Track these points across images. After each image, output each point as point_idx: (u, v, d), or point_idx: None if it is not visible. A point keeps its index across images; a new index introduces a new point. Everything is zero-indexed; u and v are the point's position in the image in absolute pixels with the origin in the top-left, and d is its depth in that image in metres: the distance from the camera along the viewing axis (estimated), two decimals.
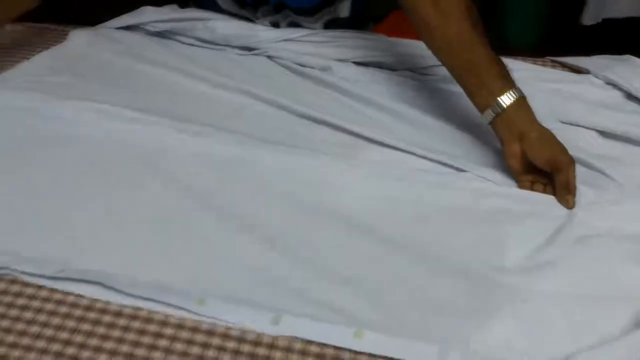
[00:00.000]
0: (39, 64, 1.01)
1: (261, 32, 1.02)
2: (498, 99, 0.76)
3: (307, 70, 0.98)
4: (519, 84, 0.81)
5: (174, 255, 0.66)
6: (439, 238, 0.68)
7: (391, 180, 0.77)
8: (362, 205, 0.73)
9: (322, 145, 0.82)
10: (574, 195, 0.74)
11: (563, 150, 0.75)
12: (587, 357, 0.55)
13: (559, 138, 0.77)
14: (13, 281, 0.62)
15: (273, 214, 0.71)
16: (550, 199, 0.75)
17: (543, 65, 1.02)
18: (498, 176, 0.78)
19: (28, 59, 1.02)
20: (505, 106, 0.76)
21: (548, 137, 0.76)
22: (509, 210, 0.72)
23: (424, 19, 0.82)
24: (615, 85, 0.95)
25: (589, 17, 1.94)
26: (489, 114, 0.77)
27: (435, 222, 0.71)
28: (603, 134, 0.87)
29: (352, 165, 0.78)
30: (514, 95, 0.77)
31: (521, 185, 0.77)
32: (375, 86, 0.93)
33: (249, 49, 1.03)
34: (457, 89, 0.92)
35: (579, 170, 0.76)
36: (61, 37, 1.09)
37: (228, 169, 0.77)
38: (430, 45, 0.84)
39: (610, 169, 0.79)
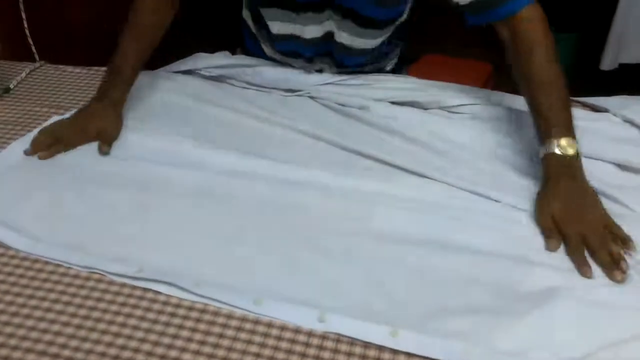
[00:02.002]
0: None
1: (304, 76, 1.14)
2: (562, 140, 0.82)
3: (347, 109, 1.08)
4: None
5: (235, 260, 0.76)
6: (471, 254, 0.77)
7: (424, 204, 0.86)
8: (397, 224, 0.82)
9: (366, 173, 0.92)
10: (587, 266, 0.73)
11: (563, 221, 0.77)
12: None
13: None
14: (100, 280, 0.72)
15: (321, 230, 0.81)
16: None
17: None
18: (524, 203, 0.85)
19: None
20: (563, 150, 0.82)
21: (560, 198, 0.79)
22: (534, 236, 0.80)
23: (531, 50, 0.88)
24: (632, 123, 1.03)
25: (607, 63, 2.07)
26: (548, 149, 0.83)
27: (463, 239, 0.79)
28: (621, 167, 0.95)
29: (389, 191, 0.88)
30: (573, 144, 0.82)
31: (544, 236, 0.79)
32: (410, 123, 1.03)
33: (293, 91, 1.15)
34: (484, 125, 1.02)
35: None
36: None
37: (286, 190, 0.88)
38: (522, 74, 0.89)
39: (628, 199, 0.87)
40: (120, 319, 0.67)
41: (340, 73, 1.14)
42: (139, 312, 0.68)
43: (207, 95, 1.13)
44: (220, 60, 1.21)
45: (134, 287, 0.71)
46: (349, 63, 1.12)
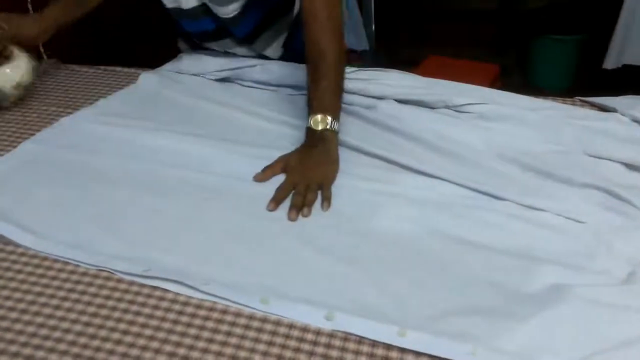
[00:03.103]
0: (116, 101, 1.14)
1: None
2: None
3: (353, 107, 1.08)
4: (548, 120, 0.90)
5: (243, 259, 0.76)
6: (477, 254, 0.77)
7: (429, 203, 0.86)
8: (402, 223, 0.82)
9: (371, 172, 0.92)
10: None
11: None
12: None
13: (587, 170, 0.88)
14: (108, 278, 0.72)
15: (327, 228, 0.81)
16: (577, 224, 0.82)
17: (572, 104, 1.11)
18: (530, 201, 0.85)
19: (105, 97, 1.16)
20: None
21: None
22: (540, 232, 0.80)
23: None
24: None
25: (611, 62, 2.08)
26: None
27: (469, 238, 0.79)
28: (629, 166, 0.95)
29: (394, 190, 0.88)
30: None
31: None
32: (416, 122, 1.02)
33: (299, 87, 1.15)
34: (491, 125, 1.02)
35: (607, 199, 0.84)
36: (130, 78, 1.23)
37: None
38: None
39: (636, 198, 0.86)
40: (128, 316, 0.67)
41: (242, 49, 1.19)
42: (147, 310, 0.68)
43: (213, 95, 1.14)
44: (227, 64, 1.20)
45: (142, 285, 0.71)
46: (238, 33, 1.15)
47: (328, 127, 0.94)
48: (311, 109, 0.96)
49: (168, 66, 1.25)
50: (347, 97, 1.10)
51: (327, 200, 0.86)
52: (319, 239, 0.79)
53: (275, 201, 0.85)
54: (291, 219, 0.82)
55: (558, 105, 1.09)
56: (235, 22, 1.11)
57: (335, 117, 0.95)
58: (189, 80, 1.20)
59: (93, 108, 1.12)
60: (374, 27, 2.35)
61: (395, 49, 2.77)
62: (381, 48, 2.37)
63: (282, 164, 0.92)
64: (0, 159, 0.96)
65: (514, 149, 0.96)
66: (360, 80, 1.11)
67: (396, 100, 1.08)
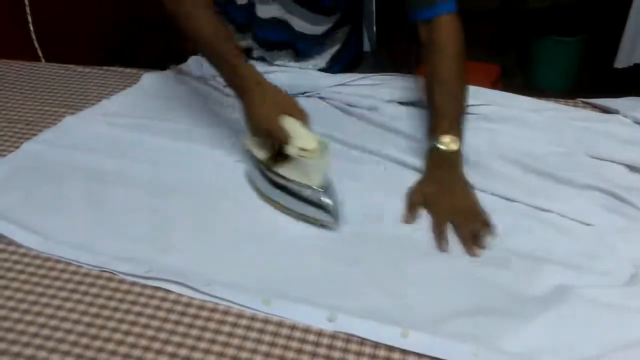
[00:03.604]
0: (119, 102, 1.14)
1: (315, 79, 1.14)
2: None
3: (356, 110, 1.08)
4: (550, 121, 0.91)
5: (245, 260, 0.76)
6: (483, 258, 0.77)
7: None
8: (409, 225, 0.82)
9: (374, 174, 0.92)
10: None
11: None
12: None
13: (588, 171, 0.88)
14: (110, 278, 0.72)
15: (332, 234, 0.81)
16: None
17: (574, 105, 1.11)
18: (533, 202, 0.85)
19: (107, 98, 1.16)
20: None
21: None
22: (543, 233, 0.80)
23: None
24: None
25: (622, 61, 2.06)
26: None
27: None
28: (631, 168, 0.95)
29: (399, 192, 0.88)
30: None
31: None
32: (417, 122, 1.03)
33: (303, 93, 1.15)
34: (495, 126, 1.02)
35: (610, 201, 0.84)
36: (133, 79, 1.22)
37: None
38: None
39: (638, 200, 0.86)
40: (130, 317, 0.67)
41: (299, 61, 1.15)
42: (149, 311, 0.68)
43: (219, 98, 1.14)
44: None
45: (144, 286, 0.71)
46: (302, 48, 1.13)
47: (456, 148, 0.88)
48: (439, 131, 0.89)
49: (175, 68, 1.24)
50: (349, 99, 1.10)
51: (490, 226, 0.80)
52: (320, 240, 0.79)
53: (442, 239, 0.79)
54: (474, 255, 0.77)
55: (560, 107, 1.09)
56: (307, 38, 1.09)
57: (462, 141, 0.91)
58: (194, 82, 1.20)
59: (96, 108, 1.12)
60: (375, 29, 2.34)
61: (395, 49, 2.77)
62: (381, 49, 2.37)
63: (420, 196, 0.86)
64: (3, 160, 0.96)
65: (516, 150, 0.96)
66: (365, 86, 1.11)
67: (399, 102, 1.08)
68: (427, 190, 0.87)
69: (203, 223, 0.82)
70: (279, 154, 0.85)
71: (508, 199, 0.87)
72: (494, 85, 2.17)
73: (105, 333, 0.65)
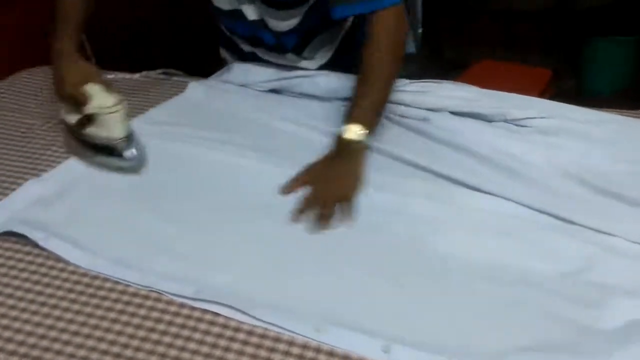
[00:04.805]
0: (165, 111, 1.13)
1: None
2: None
3: (406, 120, 1.05)
4: (615, 136, 0.92)
5: (293, 280, 0.73)
6: (539, 284, 0.73)
7: (489, 226, 0.82)
8: (462, 246, 0.79)
9: (426, 190, 0.88)
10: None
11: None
12: None
13: None
14: (158, 299, 0.71)
15: (383, 251, 0.78)
16: None
17: (637, 117, 1.04)
18: (599, 224, 0.80)
19: (153, 106, 1.15)
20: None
21: None
22: (612, 260, 0.75)
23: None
24: None
25: None
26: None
27: (533, 266, 0.75)
28: None
29: (452, 212, 0.84)
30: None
31: None
32: (474, 137, 0.98)
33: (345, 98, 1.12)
34: (553, 140, 0.96)
35: None
36: (177, 87, 1.21)
37: None
38: None
39: None
40: (179, 342, 0.66)
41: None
42: (197, 336, 0.66)
43: (267, 107, 1.12)
44: (270, 74, 1.18)
45: (193, 308, 0.69)
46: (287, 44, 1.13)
47: (361, 139, 0.91)
48: (349, 118, 0.93)
49: (216, 76, 1.23)
50: (399, 109, 1.07)
51: (347, 215, 0.83)
52: (375, 263, 0.76)
53: (295, 215, 0.83)
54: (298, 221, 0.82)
55: (623, 119, 1.03)
56: (287, 34, 1.10)
57: (372, 133, 0.93)
58: (238, 91, 1.19)
59: (143, 118, 1.11)
60: (420, 29, 2.29)
61: (440, 50, 2.70)
62: (425, 50, 2.31)
63: (307, 175, 0.90)
64: (54, 171, 0.96)
65: (578, 167, 0.90)
66: (414, 93, 1.08)
67: (450, 112, 1.04)
68: (315, 167, 0.91)
69: (252, 242, 0.80)
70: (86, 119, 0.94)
71: (569, 221, 0.82)
72: (545, 91, 2.09)
73: (154, 359, 0.64)
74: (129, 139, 0.94)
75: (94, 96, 0.91)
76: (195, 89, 1.21)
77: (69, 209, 0.87)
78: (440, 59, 2.69)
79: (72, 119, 0.96)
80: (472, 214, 0.84)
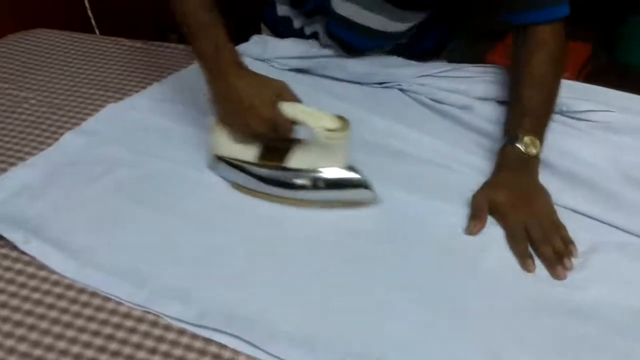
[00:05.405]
0: (172, 86, 1.01)
1: (399, 68, 0.97)
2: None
3: (445, 107, 0.92)
4: None
5: (315, 309, 0.62)
6: (601, 315, 0.61)
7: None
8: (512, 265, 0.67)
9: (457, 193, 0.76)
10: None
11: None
12: None
13: None
14: (155, 323, 0.60)
15: (423, 269, 0.67)
16: None
17: None
18: None
19: (158, 80, 1.02)
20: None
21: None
22: None
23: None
24: None
25: None
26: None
27: (593, 295, 0.64)
28: None
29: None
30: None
31: None
32: None
33: (380, 83, 0.98)
34: (618, 138, 0.83)
35: None
36: (187, 58, 1.08)
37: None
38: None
39: None
40: None
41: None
42: None
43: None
44: (292, 49, 1.04)
45: (195, 337, 0.58)
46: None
47: (538, 152, 0.77)
48: (521, 129, 0.78)
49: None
50: (436, 94, 0.93)
51: (572, 245, 0.68)
52: (413, 283, 0.65)
53: (528, 258, 0.67)
54: (560, 278, 0.65)
55: None
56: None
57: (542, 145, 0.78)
58: (252, 66, 1.05)
59: (145, 94, 0.98)
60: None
61: (467, 16, 2.54)
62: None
63: (487, 202, 0.73)
64: (43, 154, 0.84)
65: None
66: (453, 79, 0.94)
67: (498, 101, 0.90)
68: (496, 196, 0.73)
69: (266, 249, 0.69)
70: (266, 150, 0.74)
71: (631, 234, 0.70)
72: (583, 68, 1.94)
73: None
74: (353, 166, 0.72)
75: (306, 118, 0.70)
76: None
77: (56, 202, 0.75)
78: (468, 26, 2.52)
79: (247, 152, 0.74)
80: None
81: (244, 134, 0.74)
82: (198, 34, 0.77)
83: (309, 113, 0.70)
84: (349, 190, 0.73)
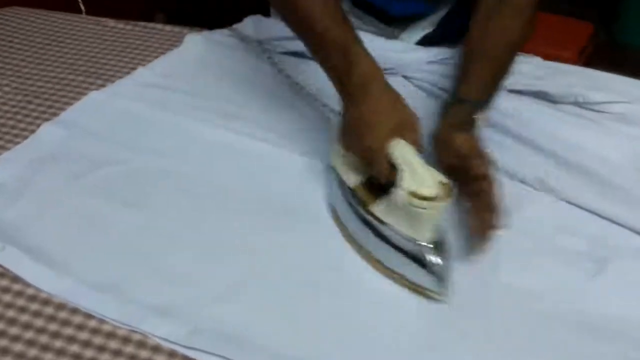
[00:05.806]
0: (158, 71, 0.94)
1: (405, 52, 0.90)
2: None
3: None
4: None
5: (322, 326, 0.57)
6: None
7: (562, 249, 0.66)
8: (528, 276, 0.63)
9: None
10: None
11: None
12: None
13: None
14: (142, 343, 0.54)
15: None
16: None
17: None
18: None
19: (143, 64, 0.95)
20: None
21: None
22: None
23: None
24: None
25: None
26: None
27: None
28: None
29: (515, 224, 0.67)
30: None
31: None
32: (534, 122, 0.79)
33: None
34: (637, 131, 0.78)
35: None
36: (174, 40, 1.01)
37: None
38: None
39: None
40: None
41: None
42: None
43: (283, 71, 0.92)
44: (288, 30, 0.97)
45: (185, 358, 0.53)
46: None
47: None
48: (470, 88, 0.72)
49: (227, 30, 1.01)
50: (442, 83, 0.87)
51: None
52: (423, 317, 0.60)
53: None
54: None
55: None
56: None
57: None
58: (247, 49, 0.98)
59: (129, 80, 0.92)
60: None
61: None
62: None
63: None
64: (18, 148, 0.77)
65: None
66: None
67: (510, 90, 0.84)
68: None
69: (266, 257, 0.63)
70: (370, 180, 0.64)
71: None
72: (584, 49, 1.88)
73: None
74: (440, 246, 0.60)
75: (406, 169, 0.58)
76: (194, 44, 1.00)
77: (32, 204, 0.69)
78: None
79: (351, 177, 0.66)
80: (538, 227, 0.68)
81: (352, 154, 0.66)
82: (315, 33, 0.67)
83: (410, 165, 0.58)
84: (414, 266, 0.59)
